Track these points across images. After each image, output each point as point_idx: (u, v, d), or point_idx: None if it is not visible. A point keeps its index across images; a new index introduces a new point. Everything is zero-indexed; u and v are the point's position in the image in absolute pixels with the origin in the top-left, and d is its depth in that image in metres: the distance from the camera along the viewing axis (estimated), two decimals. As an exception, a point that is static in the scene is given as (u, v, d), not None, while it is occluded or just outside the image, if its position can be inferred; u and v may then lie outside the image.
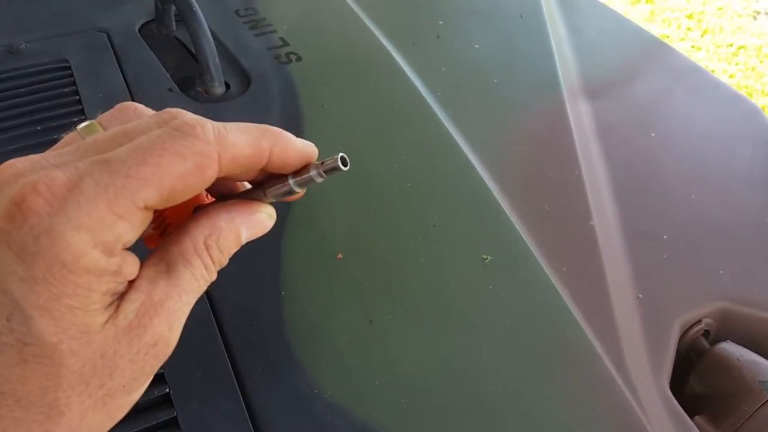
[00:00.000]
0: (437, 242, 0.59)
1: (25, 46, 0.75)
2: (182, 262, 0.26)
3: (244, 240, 0.28)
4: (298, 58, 0.79)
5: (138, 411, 0.45)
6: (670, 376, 0.54)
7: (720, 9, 3.13)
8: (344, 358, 0.51)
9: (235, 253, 0.30)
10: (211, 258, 0.27)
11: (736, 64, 2.74)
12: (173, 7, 0.80)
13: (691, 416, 0.52)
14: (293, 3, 0.92)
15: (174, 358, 0.30)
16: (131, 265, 0.25)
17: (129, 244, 0.24)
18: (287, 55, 0.80)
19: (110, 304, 0.24)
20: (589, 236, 0.62)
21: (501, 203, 0.63)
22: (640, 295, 0.58)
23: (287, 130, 0.29)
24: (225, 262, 0.28)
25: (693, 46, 2.85)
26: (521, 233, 0.61)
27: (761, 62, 2.75)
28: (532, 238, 0.61)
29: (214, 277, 0.27)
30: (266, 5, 0.91)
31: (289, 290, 0.54)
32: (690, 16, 3.08)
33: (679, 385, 0.56)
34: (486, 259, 0.58)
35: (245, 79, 0.76)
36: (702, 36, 2.94)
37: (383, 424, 0.46)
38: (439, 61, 0.83)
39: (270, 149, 0.26)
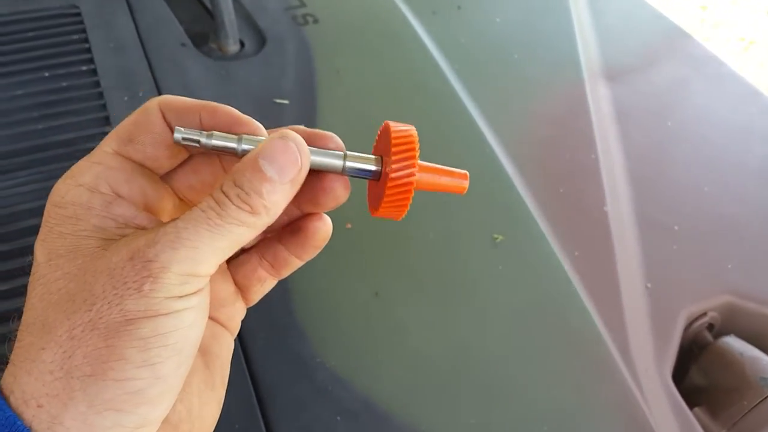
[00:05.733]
0: (448, 218, 0.58)
1: (34, -12, 0.72)
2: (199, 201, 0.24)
3: (271, 172, 0.24)
4: (315, 21, 0.77)
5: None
6: (673, 367, 0.54)
7: (734, 3, 3.09)
8: (348, 329, 0.50)
9: None
10: (225, 192, 0.23)
11: (747, 60, 2.71)
12: (189, -41, 0.78)
13: (690, 407, 0.52)
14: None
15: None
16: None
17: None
18: (304, 16, 0.78)
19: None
20: (602, 222, 0.61)
21: (515, 182, 0.62)
22: (649, 285, 0.58)
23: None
24: (253, 199, 0.23)
25: (704, 38, 2.82)
26: (534, 215, 0.60)
27: (771, 59, 2.73)
28: (546, 220, 0.60)
29: (235, 213, 0.23)
30: (284, -37, 0.88)
31: (296, 257, 0.53)
32: (704, 8, 3.04)
33: (679, 375, 0.56)
34: (497, 238, 0.57)
35: (260, 39, 0.74)
36: (714, 28, 2.91)
37: (385, 399, 0.46)
38: (458, 32, 0.81)
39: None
